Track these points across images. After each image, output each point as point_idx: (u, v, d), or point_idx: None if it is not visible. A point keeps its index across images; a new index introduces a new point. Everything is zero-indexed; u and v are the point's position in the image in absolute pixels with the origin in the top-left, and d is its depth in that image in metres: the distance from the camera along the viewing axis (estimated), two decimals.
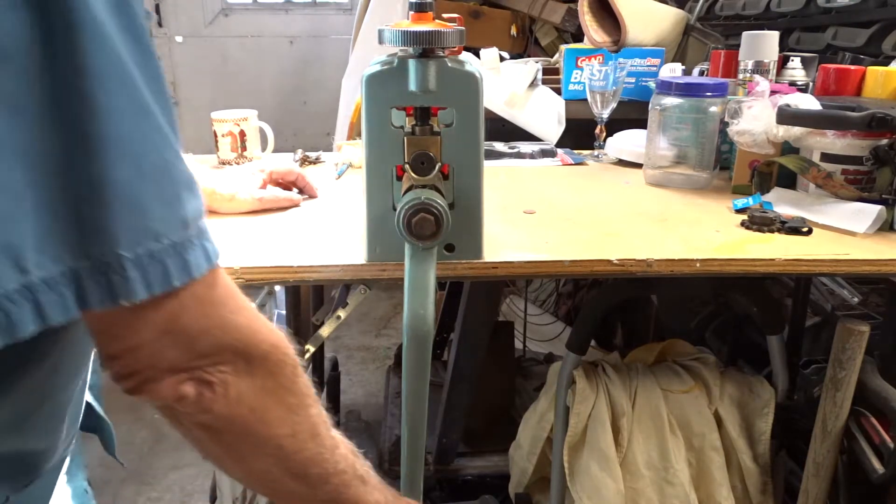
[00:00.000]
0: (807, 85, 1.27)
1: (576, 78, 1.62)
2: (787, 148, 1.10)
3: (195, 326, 0.42)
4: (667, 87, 1.20)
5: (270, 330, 0.46)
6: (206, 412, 0.44)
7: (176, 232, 0.39)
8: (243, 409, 0.44)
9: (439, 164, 0.78)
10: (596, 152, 1.46)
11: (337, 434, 0.52)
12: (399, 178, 0.80)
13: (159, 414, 0.46)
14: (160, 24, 3.48)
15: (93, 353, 0.55)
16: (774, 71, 1.24)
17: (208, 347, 0.42)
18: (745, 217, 1.00)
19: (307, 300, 1.61)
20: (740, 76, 1.25)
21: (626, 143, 1.40)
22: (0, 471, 0.47)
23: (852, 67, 1.21)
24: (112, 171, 0.36)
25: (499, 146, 1.45)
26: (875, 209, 0.96)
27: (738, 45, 1.26)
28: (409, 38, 0.72)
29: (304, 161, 1.41)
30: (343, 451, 0.52)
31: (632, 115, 1.49)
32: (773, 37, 1.24)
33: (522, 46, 2.55)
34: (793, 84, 1.24)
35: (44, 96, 0.34)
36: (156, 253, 0.38)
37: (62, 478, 0.56)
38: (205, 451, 0.48)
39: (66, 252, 0.36)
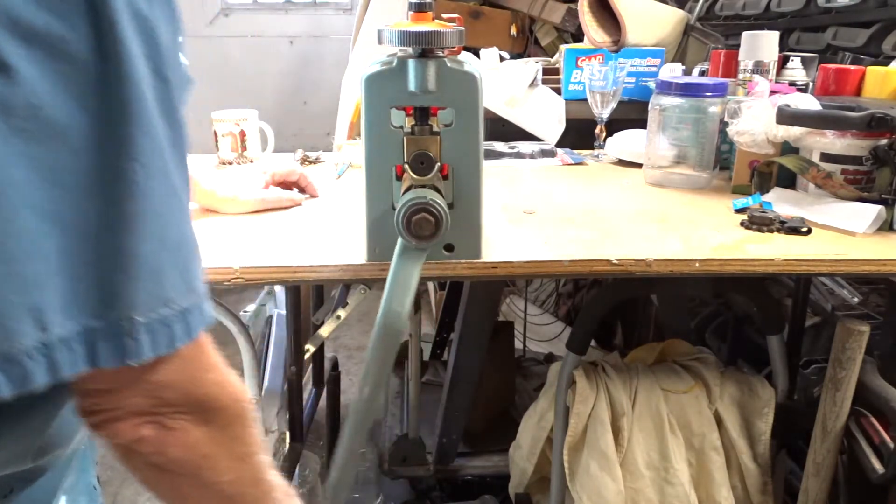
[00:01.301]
0: (807, 85, 1.27)
1: (576, 78, 1.63)
2: (787, 148, 1.10)
3: (169, 379, 0.44)
4: (667, 87, 1.20)
5: (234, 385, 0.49)
6: (161, 454, 0.47)
7: (185, 298, 0.42)
8: (196, 455, 0.48)
9: (439, 163, 0.78)
10: (596, 152, 1.46)
11: (275, 477, 0.56)
12: (399, 178, 0.80)
13: (111, 452, 0.48)
14: None
15: None
16: (774, 71, 1.24)
17: (176, 398, 0.45)
18: (744, 217, 1.00)
19: (307, 300, 1.61)
20: (740, 76, 1.25)
21: (626, 143, 1.40)
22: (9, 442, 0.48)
23: (852, 67, 1.21)
24: (141, 245, 0.39)
25: (499, 146, 1.45)
26: (875, 209, 0.96)
27: (738, 45, 1.26)
28: (408, 38, 0.73)
29: (305, 161, 1.41)
30: (278, 496, 0.56)
31: (632, 115, 1.49)
32: (773, 37, 1.24)
33: (522, 46, 2.56)
34: (793, 84, 1.24)
35: (90, 172, 0.37)
36: (166, 318, 0.41)
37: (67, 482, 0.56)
38: (151, 488, 0.51)
39: (84, 313, 0.38)
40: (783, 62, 1.30)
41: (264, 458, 0.54)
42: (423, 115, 0.79)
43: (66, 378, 0.38)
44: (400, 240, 0.76)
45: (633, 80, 1.60)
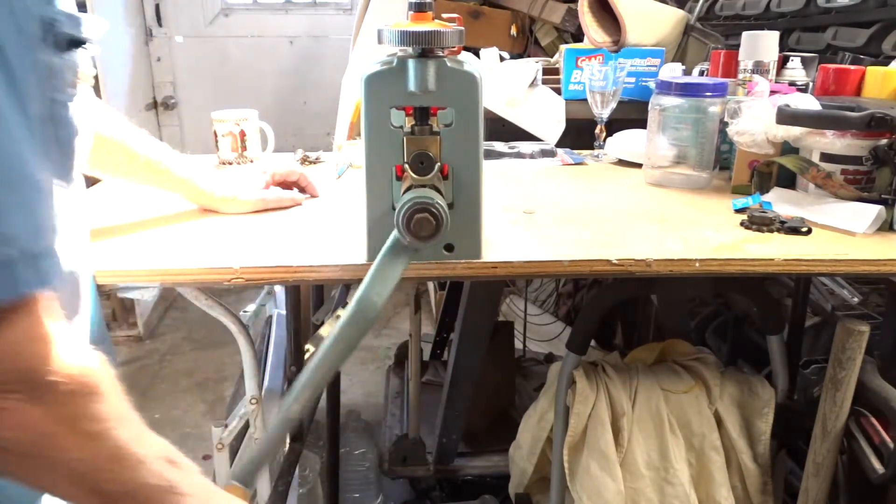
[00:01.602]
0: (806, 85, 1.27)
1: (576, 78, 1.63)
2: (787, 148, 1.10)
3: None
4: (667, 87, 1.20)
5: (68, 360, 0.45)
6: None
7: (29, 243, 0.39)
8: (34, 434, 0.45)
9: (439, 163, 0.78)
10: (596, 152, 1.46)
11: (152, 448, 0.51)
12: (399, 178, 0.80)
13: None
14: (160, 24, 3.49)
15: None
16: (774, 71, 1.24)
17: (2, 374, 0.42)
18: (744, 217, 1.00)
19: (307, 300, 1.61)
20: (740, 76, 1.25)
21: (626, 143, 1.40)
22: None
23: (852, 67, 1.21)
24: None
25: (499, 146, 1.45)
26: (874, 209, 0.96)
27: (738, 45, 1.26)
28: (408, 38, 0.73)
29: (305, 161, 1.41)
30: (154, 468, 0.51)
31: (632, 115, 1.49)
32: (772, 37, 1.24)
33: (522, 46, 2.56)
34: (792, 84, 1.24)
35: None
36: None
37: None
38: None
39: None
40: (783, 62, 1.30)
41: (132, 431, 0.50)
42: (423, 114, 0.79)
43: None
44: (393, 234, 0.76)
45: (633, 80, 1.60)
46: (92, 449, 0.47)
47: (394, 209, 0.78)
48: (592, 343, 1.83)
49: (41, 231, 0.41)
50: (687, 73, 1.59)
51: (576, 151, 1.50)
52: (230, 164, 1.37)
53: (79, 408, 0.46)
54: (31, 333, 0.43)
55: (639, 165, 1.32)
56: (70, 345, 0.46)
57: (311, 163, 1.41)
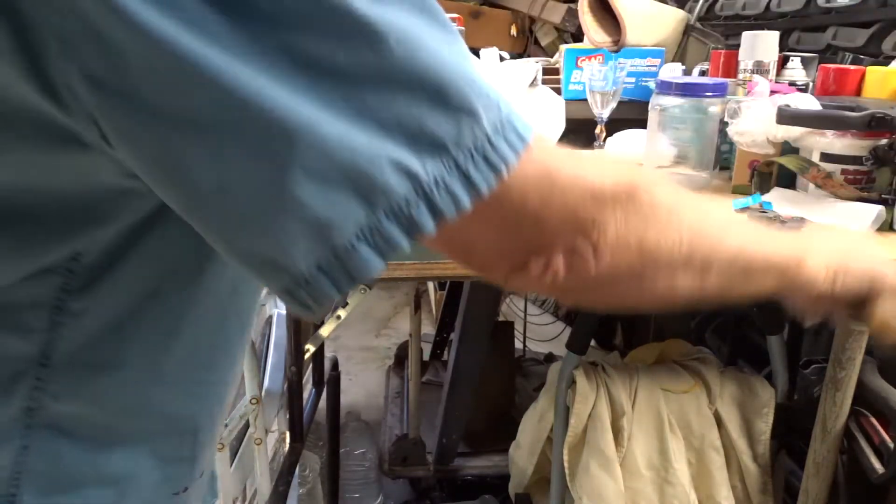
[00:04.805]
0: (807, 85, 1.27)
1: (576, 78, 1.62)
2: (787, 148, 1.10)
3: (532, 203, 0.38)
4: (667, 87, 1.20)
5: (603, 168, 0.42)
6: (585, 279, 0.41)
7: (501, 99, 0.36)
8: (618, 254, 0.41)
9: None
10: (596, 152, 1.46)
11: (711, 214, 0.48)
12: None
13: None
14: None
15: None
16: (774, 71, 1.24)
17: (557, 225, 0.39)
18: (744, 217, 1.00)
19: None
20: (740, 76, 1.25)
21: (626, 143, 1.40)
22: (150, 442, 0.46)
23: (852, 67, 1.21)
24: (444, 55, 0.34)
25: None
26: (875, 209, 0.96)
27: (738, 45, 1.26)
28: None
29: None
30: (727, 226, 0.49)
31: (632, 115, 1.49)
32: (772, 37, 1.24)
33: (522, 46, 2.56)
34: (793, 84, 1.24)
35: None
36: (504, 118, 0.36)
37: None
38: (614, 304, 0.47)
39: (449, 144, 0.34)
40: (783, 62, 1.30)
41: (697, 206, 0.47)
42: None
43: (448, 218, 0.34)
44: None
45: (633, 80, 1.60)
46: (676, 231, 0.44)
47: None
48: (592, 343, 1.83)
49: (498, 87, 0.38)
50: (687, 73, 1.58)
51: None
52: None
53: (644, 206, 0.42)
54: (558, 171, 0.39)
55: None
56: (590, 159, 0.43)
57: None
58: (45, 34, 0.29)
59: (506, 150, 0.35)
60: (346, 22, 0.31)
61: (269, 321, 2.02)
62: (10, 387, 0.41)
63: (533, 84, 1.64)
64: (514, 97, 0.35)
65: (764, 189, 1.11)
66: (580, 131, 1.55)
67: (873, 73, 1.16)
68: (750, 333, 1.55)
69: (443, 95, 0.33)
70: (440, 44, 0.34)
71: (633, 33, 1.71)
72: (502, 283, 0.42)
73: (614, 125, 1.45)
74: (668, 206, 0.44)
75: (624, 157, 0.44)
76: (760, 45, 1.23)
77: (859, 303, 0.55)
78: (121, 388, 0.44)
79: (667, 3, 1.93)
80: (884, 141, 0.97)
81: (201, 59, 0.30)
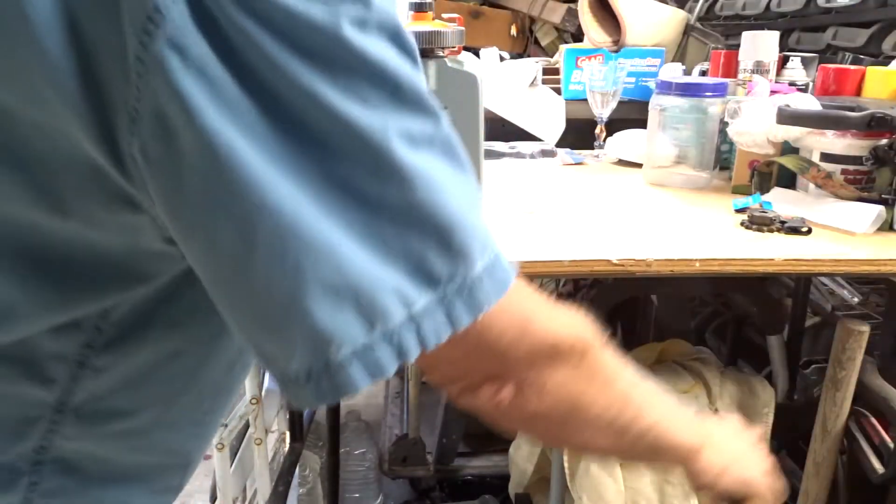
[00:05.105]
0: (806, 85, 1.27)
1: (576, 78, 1.62)
2: (787, 148, 1.10)
3: (505, 332, 0.42)
4: (667, 87, 1.20)
5: (568, 322, 0.47)
6: (524, 412, 0.46)
7: (494, 247, 0.40)
8: (557, 400, 0.46)
9: None
10: (596, 152, 1.46)
11: (639, 387, 0.52)
12: None
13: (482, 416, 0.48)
14: None
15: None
16: (774, 71, 1.24)
17: (517, 362, 0.44)
18: (744, 217, 1.00)
19: None
20: (740, 76, 1.25)
21: (626, 143, 1.40)
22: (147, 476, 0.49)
23: (852, 67, 1.21)
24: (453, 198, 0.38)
25: (499, 146, 1.45)
26: (875, 209, 0.96)
27: (738, 45, 1.26)
28: None
29: None
30: (650, 400, 0.53)
31: (632, 115, 1.49)
32: (772, 37, 1.24)
33: (522, 46, 2.56)
34: (793, 84, 1.24)
35: None
36: (493, 262, 0.40)
37: None
38: (528, 434, 0.52)
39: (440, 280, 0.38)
40: (783, 62, 1.30)
41: (630, 380, 0.51)
42: None
43: (430, 348, 0.37)
44: None
45: (633, 80, 1.60)
46: (608, 395, 0.49)
47: None
48: None
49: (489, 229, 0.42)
50: (687, 73, 1.58)
51: (576, 151, 1.50)
52: None
53: (592, 362, 0.48)
54: (529, 309, 0.44)
55: (639, 165, 1.32)
56: (558, 310, 0.47)
57: None
58: (119, 109, 0.33)
59: (489, 292, 0.39)
60: (383, 161, 0.35)
61: None
62: (26, 429, 0.43)
63: (533, 84, 1.64)
64: (502, 242, 0.41)
65: (764, 189, 1.11)
66: (580, 131, 1.55)
67: (873, 73, 1.16)
68: (750, 333, 1.55)
69: (448, 238, 0.37)
70: (457, 187, 0.38)
71: (633, 33, 1.71)
72: (453, 397, 0.46)
73: (614, 125, 1.45)
74: (609, 372, 0.49)
75: (580, 315, 0.49)
76: (760, 45, 1.23)
77: (735, 501, 0.62)
78: (130, 430, 0.47)
79: (667, 3, 1.93)
80: (884, 141, 0.97)
81: (248, 166, 0.32)
